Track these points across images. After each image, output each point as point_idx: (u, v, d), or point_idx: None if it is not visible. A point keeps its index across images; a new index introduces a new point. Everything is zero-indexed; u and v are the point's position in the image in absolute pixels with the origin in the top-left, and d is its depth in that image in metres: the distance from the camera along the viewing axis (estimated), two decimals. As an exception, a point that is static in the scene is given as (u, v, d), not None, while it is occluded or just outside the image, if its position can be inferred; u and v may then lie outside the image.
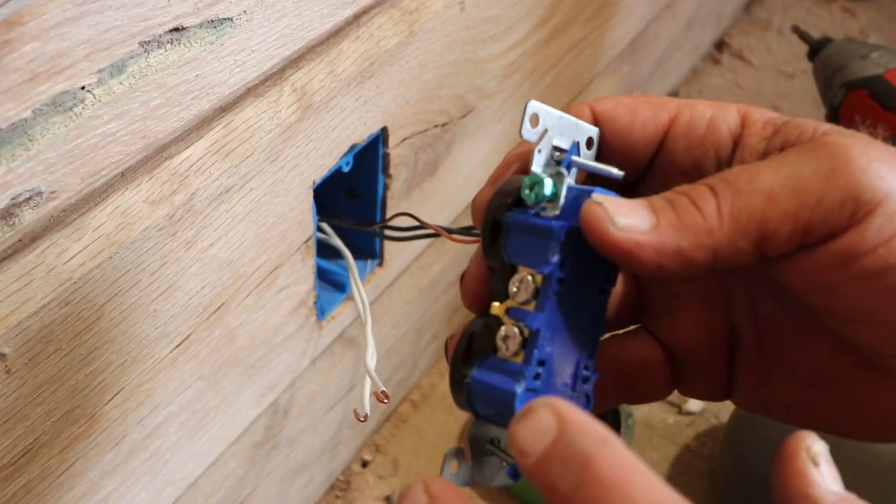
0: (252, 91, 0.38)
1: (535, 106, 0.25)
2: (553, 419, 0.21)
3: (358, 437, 0.65)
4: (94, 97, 0.30)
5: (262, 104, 0.39)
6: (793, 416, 0.29)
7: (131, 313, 0.36)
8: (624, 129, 0.28)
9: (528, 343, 0.24)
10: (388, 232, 0.50)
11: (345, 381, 0.57)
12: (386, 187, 0.51)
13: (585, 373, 0.26)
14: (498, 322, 0.25)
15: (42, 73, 0.27)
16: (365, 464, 0.66)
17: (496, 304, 0.25)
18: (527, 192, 0.25)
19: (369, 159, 0.49)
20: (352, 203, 0.53)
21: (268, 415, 0.52)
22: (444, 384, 0.71)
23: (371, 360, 0.44)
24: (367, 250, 0.55)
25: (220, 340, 0.43)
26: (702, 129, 0.27)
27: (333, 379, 0.55)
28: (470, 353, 0.26)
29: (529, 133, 0.25)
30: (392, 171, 0.50)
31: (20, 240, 0.31)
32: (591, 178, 0.28)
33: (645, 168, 0.28)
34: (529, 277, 0.25)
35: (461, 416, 0.69)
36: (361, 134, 0.46)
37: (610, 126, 0.28)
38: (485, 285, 0.27)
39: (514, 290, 0.25)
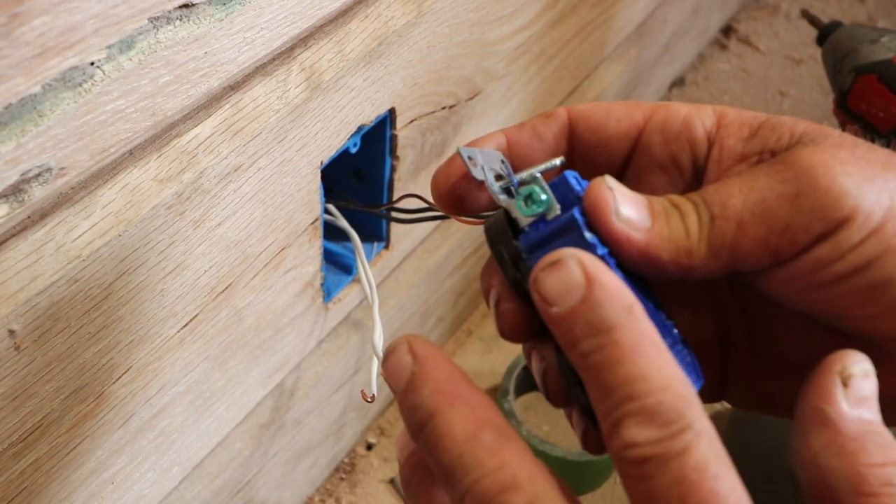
0: (261, 70, 0.38)
1: (465, 151, 0.27)
2: (581, 276, 0.22)
3: (363, 420, 0.65)
4: (104, 73, 0.29)
5: (271, 83, 0.39)
6: (788, 409, 0.29)
7: (139, 292, 0.36)
8: (598, 125, 0.29)
9: None
10: (394, 214, 0.50)
11: (350, 363, 0.57)
12: (393, 169, 0.51)
13: (677, 333, 0.27)
14: None
15: (52, 48, 0.27)
16: (370, 446, 0.66)
17: None
18: (525, 209, 0.26)
19: (377, 141, 0.49)
20: (358, 185, 0.53)
21: (274, 396, 0.52)
22: (449, 368, 0.71)
23: (379, 340, 0.44)
24: (374, 233, 0.55)
25: (227, 321, 0.43)
26: (677, 126, 0.28)
27: (339, 361, 0.55)
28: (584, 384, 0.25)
29: (478, 173, 0.26)
30: (399, 152, 0.50)
31: (29, 217, 0.30)
32: None
33: (621, 163, 0.29)
34: None
35: (466, 400, 0.69)
36: (369, 115, 0.46)
37: (585, 123, 0.29)
38: (524, 317, 0.27)
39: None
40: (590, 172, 0.29)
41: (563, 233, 0.25)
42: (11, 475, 0.34)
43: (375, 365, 0.43)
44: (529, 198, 0.26)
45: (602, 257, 0.24)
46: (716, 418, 0.69)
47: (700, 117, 0.28)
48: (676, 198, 0.26)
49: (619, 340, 0.21)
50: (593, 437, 0.27)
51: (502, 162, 0.28)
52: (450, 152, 0.56)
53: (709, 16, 0.99)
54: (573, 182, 0.26)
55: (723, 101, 0.98)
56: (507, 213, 0.26)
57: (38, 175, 0.29)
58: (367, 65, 0.43)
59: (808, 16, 0.70)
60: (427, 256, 0.62)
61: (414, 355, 0.23)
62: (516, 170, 0.28)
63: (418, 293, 0.62)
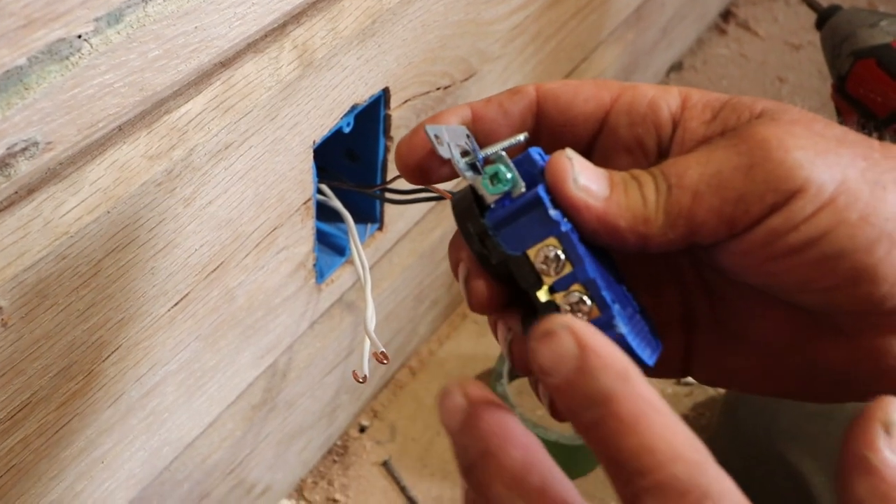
0: (252, 46, 0.38)
1: (431, 129, 0.27)
2: (574, 345, 0.21)
3: (356, 403, 0.65)
4: (91, 46, 0.29)
5: (263, 60, 0.38)
6: (752, 385, 0.30)
7: (129, 270, 0.35)
8: (565, 104, 0.29)
9: (594, 296, 0.25)
10: (388, 195, 0.49)
11: (343, 345, 0.57)
12: (387, 150, 0.51)
13: (635, 302, 0.27)
14: (553, 305, 0.25)
15: (38, 20, 0.26)
16: (363, 429, 0.66)
17: (539, 292, 0.26)
18: (490, 187, 0.26)
19: (370, 121, 0.49)
20: (352, 166, 0.52)
21: (266, 377, 0.51)
22: (443, 351, 0.71)
23: (371, 321, 0.44)
24: (367, 214, 0.55)
25: (218, 300, 0.42)
26: (643, 108, 0.28)
27: (332, 343, 0.55)
28: None
29: (443, 151, 0.27)
30: (393, 133, 0.50)
31: (16, 192, 0.30)
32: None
33: (587, 143, 0.30)
34: (549, 248, 0.25)
35: (459, 383, 0.69)
36: (363, 94, 0.45)
37: (553, 101, 0.29)
38: (492, 291, 0.27)
39: (544, 268, 0.25)
40: (555, 149, 0.30)
41: (528, 209, 0.25)
42: (0, 452, 0.34)
43: (367, 346, 0.43)
44: (495, 176, 0.26)
45: (566, 232, 0.25)
46: (709, 404, 0.69)
47: (666, 99, 0.28)
48: (636, 171, 0.27)
49: (619, 412, 0.21)
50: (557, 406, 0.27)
51: (467, 136, 0.28)
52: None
53: (708, 0, 0.98)
54: (537, 158, 0.26)
55: (720, 87, 0.97)
56: (473, 189, 0.27)
57: (25, 149, 0.28)
58: (361, 43, 0.43)
59: (807, 0, 0.69)
60: (421, 238, 0.62)
61: (467, 397, 0.23)
62: (481, 144, 0.29)
63: (412, 275, 0.62)
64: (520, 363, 0.28)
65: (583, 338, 0.21)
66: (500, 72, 0.58)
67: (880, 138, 0.64)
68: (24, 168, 0.29)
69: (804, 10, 0.69)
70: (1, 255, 0.30)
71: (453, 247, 0.28)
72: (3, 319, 0.31)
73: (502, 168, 0.26)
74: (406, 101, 0.49)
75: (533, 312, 0.26)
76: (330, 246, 0.54)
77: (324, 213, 0.50)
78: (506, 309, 0.28)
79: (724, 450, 0.62)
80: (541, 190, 0.25)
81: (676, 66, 1.00)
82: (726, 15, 1.07)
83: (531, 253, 0.25)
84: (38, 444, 0.36)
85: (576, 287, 0.25)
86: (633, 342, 0.25)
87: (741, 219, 0.25)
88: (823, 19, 0.66)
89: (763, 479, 0.57)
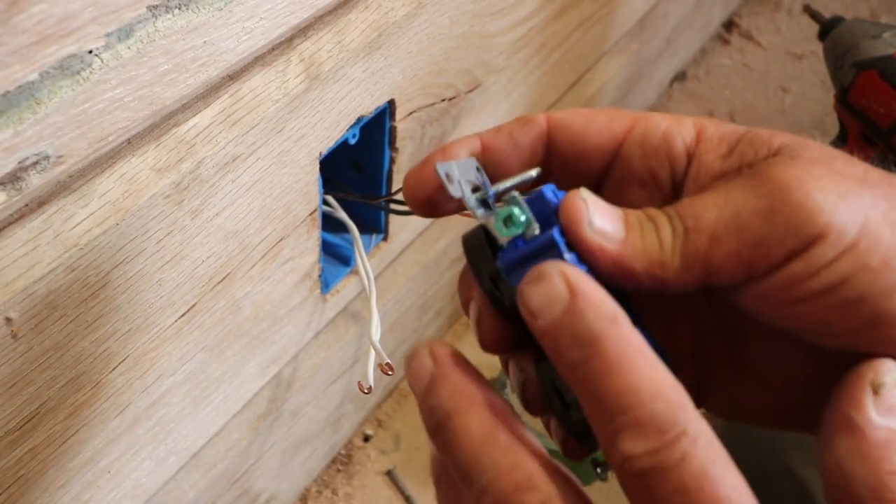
0: (260, 60, 0.38)
1: (441, 167, 0.26)
2: (564, 288, 0.22)
3: (360, 412, 0.65)
4: (102, 61, 0.29)
5: (270, 73, 0.38)
6: (767, 420, 0.29)
7: (137, 281, 0.36)
8: (577, 136, 0.28)
9: None
10: (393, 206, 0.50)
11: (348, 355, 0.57)
12: (392, 161, 0.51)
13: (651, 340, 0.27)
14: None
15: (50, 36, 0.27)
16: (367, 438, 0.66)
17: None
18: (504, 230, 0.26)
19: (376, 132, 0.49)
20: (357, 177, 0.53)
21: (271, 387, 0.52)
22: (447, 360, 0.71)
23: (376, 332, 0.45)
24: (372, 225, 0.55)
25: (224, 311, 0.43)
26: (657, 140, 0.28)
27: (337, 353, 0.55)
28: (563, 394, 0.25)
29: (454, 190, 0.26)
30: (398, 144, 0.50)
31: (27, 204, 0.30)
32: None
33: (599, 175, 0.29)
34: None
35: (463, 393, 0.69)
36: (368, 106, 0.46)
37: (564, 132, 0.28)
38: (504, 332, 0.27)
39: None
40: (567, 182, 0.29)
41: (542, 252, 0.25)
42: (8, 463, 0.34)
43: (373, 357, 0.43)
44: (509, 219, 0.25)
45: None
46: (713, 416, 0.69)
47: (680, 132, 0.28)
48: (652, 210, 0.26)
49: (605, 351, 0.21)
50: (572, 444, 0.27)
51: (477, 170, 0.28)
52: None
53: (711, 10, 0.99)
54: (550, 197, 0.26)
55: (724, 97, 0.98)
56: (485, 229, 0.26)
57: (36, 163, 0.29)
58: (367, 56, 0.43)
59: (810, 11, 0.70)
60: (426, 249, 0.62)
61: (434, 358, 0.24)
62: (491, 176, 0.28)
63: (416, 285, 0.62)
64: (532, 405, 0.28)
65: (573, 281, 0.22)
66: (504, 83, 0.59)
67: (884, 149, 0.64)
68: (36, 182, 0.29)
69: (807, 20, 0.70)
70: (11, 268, 0.30)
71: (463, 283, 0.28)
72: (13, 331, 0.31)
73: (516, 211, 0.25)
74: (411, 113, 0.50)
75: (546, 354, 0.26)
76: (335, 256, 0.54)
77: (329, 223, 0.50)
78: (518, 349, 0.28)
79: (728, 460, 0.62)
80: (556, 233, 0.25)
81: (680, 76, 1.00)
82: (729, 25, 1.07)
83: None
84: (46, 454, 0.36)
85: None
86: None
87: (760, 263, 0.24)
88: (826, 30, 0.67)
89: (767, 488, 0.57)
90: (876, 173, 0.25)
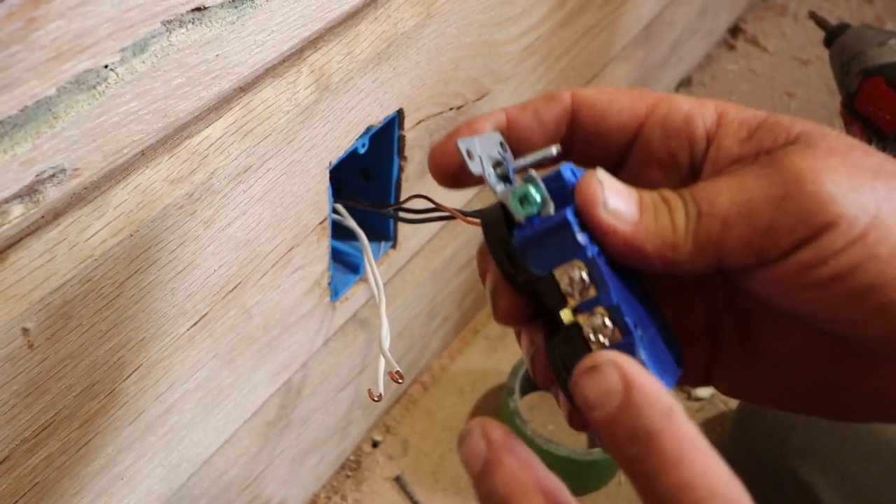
0: (271, 71, 0.39)
1: (463, 143, 0.27)
2: (619, 382, 0.22)
3: (369, 418, 0.65)
4: (117, 76, 0.30)
5: (281, 85, 0.39)
6: (774, 400, 0.30)
7: (150, 291, 0.36)
8: (600, 114, 0.29)
9: (616, 320, 0.25)
10: (402, 214, 0.50)
11: (357, 361, 0.58)
12: (401, 169, 0.51)
13: (661, 319, 0.27)
14: (577, 326, 0.26)
15: (66, 52, 0.27)
16: (375, 444, 0.67)
17: (563, 312, 0.26)
18: (520, 208, 0.26)
19: (385, 141, 0.50)
20: (366, 185, 0.53)
21: (281, 394, 0.52)
22: (454, 366, 0.72)
23: (386, 340, 0.45)
24: (381, 232, 0.55)
25: (236, 319, 0.43)
26: (678, 122, 0.28)
27: (346, 359, 0.56)
28: (570, 369, 0.26)
29: (475, 167, 0.27)
30: (407, 153, 0.50)
31: (43, 216, 0.31)
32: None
33: (620, 154, 0.29)
34: (575, 270, 0.25)
35: (471, 399, 0.70)
36: (377, 115, 0.46)
37: (588, 110, 0.29)
38: (517, 306, 0.28)
39: (569, 290, 0.25)
40: (588, 159, 0.30)
41: (555, 232, 0.25)
42: (24, 470, 0.34)
43: (383, 365, 0.44)
44: (525, 198, 0.26)
45: (592, 257, 0.25)
46: (719, 420, 0.69)
47: (701, 114, 0.28)
48: (667, 193, 0.26)
49: (662, 448, 0.21)
50: (578, 417, 0.27)
51: (501, 144, 0.28)
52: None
53: (716, 16, 0.99)
54: (568, 176, 0.26)
55: (730, 102, 0.98)
56: (503, 205, 0.27)
57: (53, 176, 0.29)
58: (376, 66, 0.44)
59: (815, 17, 0.70)
60: (433, 256, 0.62)
61: (488, 441, 0.24)
62: (515, 151, 0.29)
63: (425, 292, 0.63)
64: (540, 375, 0.28)
65: (628, 374, 0.22)
66: (511, 91, 0.59)
67: (890, 154, 0.64)
68: (52, 194, 0.30)
69: (812, 25, 0.70)
70: (28, 279, 0.31)
71: (481, 256, 0.28)
72: (29, 341, 0.31)
73: (531, 189, 0.26)
74: (420, 122, 0.50)
75: (556, 329, 0.26)
76: (344, 264, 0.54)
77: (338, 231, 0.51)
78: (531, 321, 0.28)
79: (735, 465, 0.62)
80: (569, 213, 0.25)
81: (685, 82, 1.00)
82: (735, 30, 1.07)
83: (557, 274, 0.25)
84: (61, 462, 0.36)
85: (599, 310, 0.25)
86: (652, 368, 0.25)
87: (771, 250, 0.25)
88: (832, 37, 0.67)
89: (775, 496, 0.57)
90: (892, 164, 0.25)
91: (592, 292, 0.25)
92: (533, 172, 0.26)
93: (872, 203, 0.24)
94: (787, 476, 0.56)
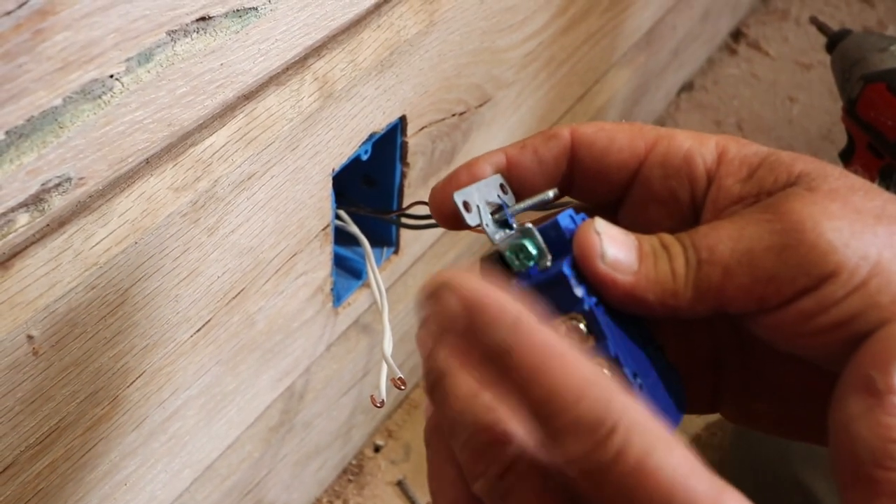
0: (274, 79, 0.39)
1: (459, 195, 0.27)
2: (458, 304, 0.21)
3: (371, 423, 0.65)
4: (123, 85, 0.30)
5: (284, 92, 0.39)
6: (780, 429, 0.30)
7: (154, 298, 0.36)
8: (600, 153, 0.29)
9: (615, 371, 0.25)
10: (404, 220, 0.50)
11: (359, 366, 0.58)
12: (403, 175, 0.51)
13: (664, 364, 0.27)
14: None
15: (73, 62, 0.28)
16: (377, 448, 0.67)
17: None
18: (517, 262, 0.26)
19: (387, 148, 0.50)
20: (368, 191, 0.53)
21: (283, 399, 0.52)
22: (457, 371, 0.72)
23: (388, 346, 0.45)
24: (383, 238, 0.56)
25: (239, 325, 0.43)
26: (678, 161, 0.28)
27: (348, 364, 0.56)
28: None
29: (471, 219, 0.27)
30: (409, 159, 0.51)
31: (48, 225, 0.31)
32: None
33: (620, 191, 0.29)
34: (573, 322, 0.25)
35: (473, 403, 0.70)
36: (380, 122, 0.46)
37: (587, 149, 0.29)
38: None
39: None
40: (589, 196, 0.30)
41: (553, 285, 0.25)
42: (28, 476, 0.35)
43: (385, 370, 0.44)
44: (521, 251, 0.26)
45: (590, 310, 0.25)
46: (721, 424, 0.70)
47: (701, 153, 0.28)
48: (667, 238, 0.26)
49: (518, 364, 0.21)
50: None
51: (501, 186, 0.28)
52: (459, 160, 0.57)
53: (718, 21, 0.99)
54: (566, 223, 0.26)
55: (732, 106, 0.98)
56: (500, 254, 0.27)
57: (58, 185, 0.29)
58: (379, 74, 0.44)
59: (817, 23, 0.70)
60: (436, 261, 0.62)
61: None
62: (516, 192, 0.29)
63: (427, 297, 0.63)
64: None
65: (466, 295, 0.21)
66: (513, 97, 0.59)
67: (892, 161, 0.64)
68: (58, 203, 0.30)
69: (814, 29, 0.70)
70: (33, 287, 0.31)
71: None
72: (34, 349, 0.31)
73: (527, 244, 0.26)
74: (422, 128, 0.50)
75: None
76: (346, 269, 0.54)
77: (340, 237, 0.51)
78: None
79: (737, 469, 0.62)
80: (565, 267, 0.25)
81: (687, 87, 1.00)
82: (737, 35, 1.07)
83: (556, 324, 0.25)
84: (65, 468, 0.36)
85: (598, 361, 0.25)
86: (654, 412, 0.25)
87: (772, 298, 0.25)
88: (834, 43, 0.67)
89: (777, 501, 0.57)
90: (894, 207, 0.25)
91: (591, 343, 0.25)
92: (529, 225, 0.26)
93: (874, 250, 0.24)
94: (788, 481, 0.56)
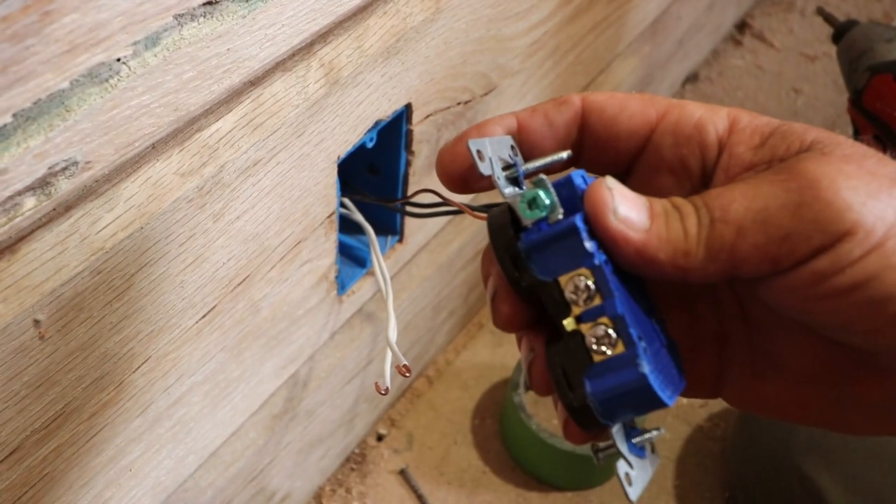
0: (281, 65, 0.39)
1: (474, 143, 0.26)
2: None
3: (374, 411, 0.65)
4: (130, 69, 0.30)
5: (291, 79, 0.39)
6: (785, 413, 0.29)
7: (160, 283, 0.36)
8: (611, 119, 0.28)
9: (620, 331, 0.25)
10: (409, 208, 0.50)
11: (363, 355, 0.58)
12: (408, 164, 0.51)
13: (665, 337, 0.27)
14: (579, 335, 0.25)
15: (80, 45, 0.27)
16: (380, 437, 0.67)
17: (566, 321, 0.25)
18: (528, 212, 0.26)
19: (393, 135, 0.50)
20: (373, 179, 0.53)
21: (287, 387, 0.52)
22: (459, 360, 0.72)
23: (392, 333, 0.45)
24: (388, 226, 0.56)
25: (244, 312, 0.43)
26: (689, 128, 0.28)
27: (352, 353, 0.56)
28: (570, 378, 0.26)
29: (484, 168, 0.26)
30: (415, 147, 0.51)
31: (55, 209, 0.31)
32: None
33: (630, 160, 0.29)
34: (581, 278, 0.25)
35: (475, 393, 0.70)
36: (386, 110, 0.46)
37: (598, 115, 0.29)
38: (519, 312, 0.27)
39: (573, 297, 0.25)
40: (598, 165, 0.29)
41: (563, 238, 0.25)
42: (34, 461, 0.35)
43: (389, 358, 0.44)
44: (533, 202, 0.26)
45: (599, 265, 0.25)
46: (724, 415, 0.70)
47: (713, 121, 0.27)
48: (678, 200, 0.26)
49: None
50: (572, 427, 0.27)
51: (511, 147, 0.28)
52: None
53: (723, 12, 0.99)
54: (579, 182, 0.26)
55: (736, 98, 0.98)
56: (510, 208, 0.26)
57: (65, 168, 0.29)
58: (385, 61, 0.44)
59: (823, 14, 0.70)
60: (440, 250, 0.62)
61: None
62: (525, 156, 0.28)
63: (431, 286, 0.63)
64: (537, 383, 0.28)
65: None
66: (518, 86, 0.59)
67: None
68: (64, 187, 0.30)
69: (819, 21, 0.70)
70: (40, 271, 0.31)
71: (485, 259, 0.28)
72: (40, 333, 0.31)
73: (541, 193, 0.25)
74: (428, 116, 0.50)
75: (558, 337, 0.26)
76: (351, 258, 0.54)
77: (346, 225, 0.51)
78: (531, 328, 0.28)
79: (740, 461, 0.62)
80: (578, 219, 0.25)
81: (692, 78, 1.00)
82: (742, 26, 1.07)
83: (562, 280, 0.25)
84: (71, 453, 0.37)
85: (603, 320, 0.25)
86: (655, 382, 0.25)
87: (786, 258, 0.24)
88: (840, 34, 0.67)
89: (779, 492, 0.57)
90: None
91: (597, 301, 0.25)
92: (543, 177, 0.26)
93: (890, 211, 0.24)
94: (791, 472, 0.56)
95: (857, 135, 0.67)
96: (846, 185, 0.24)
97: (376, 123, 0.46)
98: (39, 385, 0.33)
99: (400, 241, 0.56)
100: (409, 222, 0.56)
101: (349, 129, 0.44)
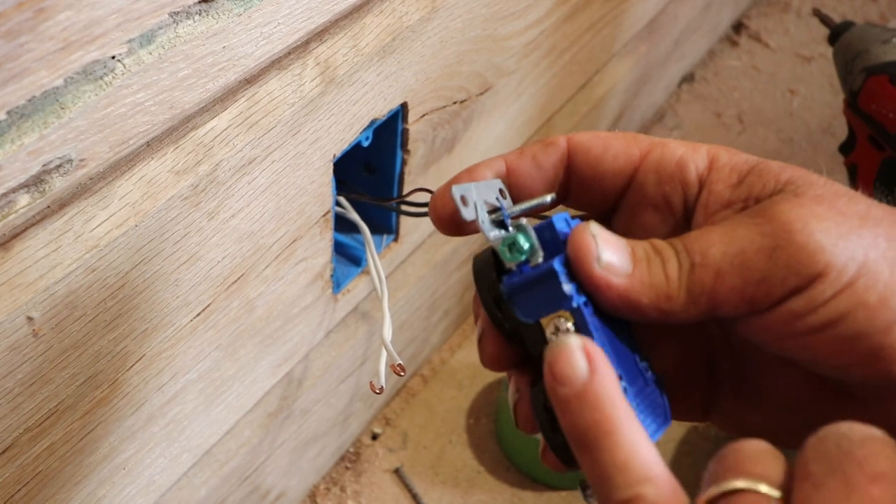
0: (276, 64, 0.39)
1: (457, 189, 0.27)
2: (585, 363, 0.23)
3: (369, 410, 0.65)
4: (125, 67, 0.30)
5: (286, 77, 0.39)
6: (771, 439, 0.30)
7: (154, 282, 0.36)
8: (596, 159, 0.29)
9: None
10: (404, 207, 0.50)
11: (358, 354, 0.58)
12: (404, 163, 0.51)
13: (651, 375, 0.28)
14: None
15: (75, 42, 0.27)
16: (375, 436, 0.67)
17: None
18: (508, 255, 0.26)
19: (388, 134, 0.50)
20: (369, 178, 0.53)
21: (282, 385, 0.52)
22: (454, 359, 0.72)
23: (387, 333, 0.45)
24: (383, 225, 0.56)
25: (238, 311, 0.43)
26: (671, 167, 0.29)
27: (347, 352, 0.56)
28: (553, 418, 0.26)
29: (468, 213, 0.27)
30: (410, 146, 0.51)
31: (49, 206, 0.31)
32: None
33: (616, 197, 0.30)
34: (561, 320, 0.26)
35: (470, 392, 0.70)
36: (382, 109, 0.46)
37: (583, 156, 0.30)
38: (503, 352, 0.28)
39: (555, 338, 0.25)
40: (585, 203, 0.30)
41: (543, 281, 0.26)
42: (27, 459, 0.35)
43: (384, 357, 0.44)
44: (513, 245, 0.26)
45: (578, 308, 0.25)
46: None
47: (694, 159, 0.28)
48: (659, 243, 0.27)
49: (571, 420, 0.23)
50: (551, 457, 0.28)
51: (500, 191, 0.29)
52: (460, 148, 0.57)
53: (720, 12, 0.99)
54: (561, 225, 0.27)
55: (732, 98, 0.98)
56: (494, 252, 0.27)
57: (60, 166, 0.29)
58: (381, 59, 0.44)
59: (819, 15, 0.70)
60: (435, 249, 0.62)
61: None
62: (514, 197, 0.29)
63: (426, 286, 0.63)
64: (522, 422, 0.29)
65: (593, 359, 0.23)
66: (514, 86, 0.59)
67: (893, 154, 0.64)
68: (58, 184, 0.30)
69: (816, 22, 0.70)
70: (33, 268, 0.31)
71: (475, 299, 0.29)
72: (34, 330, 0.31)
73: (520, 237, 0.26)
74: (423, 116, 0.50)
75: (542, 377, 0.26)
76: (346, 257, 0.54)
77: (341, 224, 0.51)
78: (517, 368, 0.29)
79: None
80: (556, 263, 0.25)
81: (688, 78, 1.00)
82: (738, 27, 1.07)
83: (544, 322, 0.26)
84: (64, 451, 0.36)
85: None
86: (639, 419, 0.25)
87: (763, 299, 0.25)
88: (836, 35, 0.67)
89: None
90: (879, 210, 0.26)
91: None
92: (524, 221, 0.27)
93: (860, 250, 0.25)
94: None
95: (853, 135, 0.67)
96: (818, 228, 0.25)
97: (372, 122, 0.46)
98: (33, 383, 0.33)
99: (395, 240, 0.56)
100: (405, 221, 0.56)
101: (345, 127, 0.44)
